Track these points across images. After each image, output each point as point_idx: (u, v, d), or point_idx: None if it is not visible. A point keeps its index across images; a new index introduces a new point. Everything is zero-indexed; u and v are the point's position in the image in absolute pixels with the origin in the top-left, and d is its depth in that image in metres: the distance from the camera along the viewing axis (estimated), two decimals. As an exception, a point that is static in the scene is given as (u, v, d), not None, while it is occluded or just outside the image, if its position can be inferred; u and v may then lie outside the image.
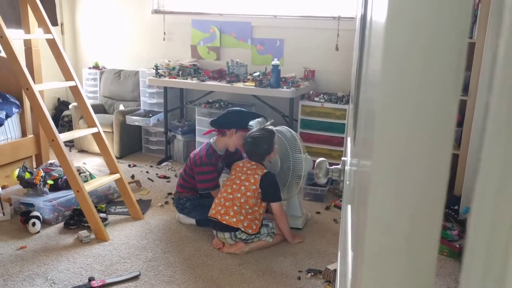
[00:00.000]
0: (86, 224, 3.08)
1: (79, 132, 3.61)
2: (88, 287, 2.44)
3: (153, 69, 4.47)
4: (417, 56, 0.29)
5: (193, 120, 4.51)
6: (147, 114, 4.60)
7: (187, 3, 4.81)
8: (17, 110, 3.66)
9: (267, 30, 4.47)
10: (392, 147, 0.31)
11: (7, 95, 3.64)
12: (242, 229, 2.82)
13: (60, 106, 5.33)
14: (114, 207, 3.49)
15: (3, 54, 3.24)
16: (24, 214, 3.14)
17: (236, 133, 3.13)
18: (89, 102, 3.39)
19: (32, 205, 3.21)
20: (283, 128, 3.26)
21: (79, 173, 3.31)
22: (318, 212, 3.48)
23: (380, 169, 0.32)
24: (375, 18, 0.40)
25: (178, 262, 2.74)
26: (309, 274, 2.63)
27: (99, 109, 4.94)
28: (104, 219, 3.15)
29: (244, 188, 2.87)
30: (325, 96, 4.01)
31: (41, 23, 3.32)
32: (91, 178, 3.51)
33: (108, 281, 2.50)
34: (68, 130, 4.76)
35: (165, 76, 4.37)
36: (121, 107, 4.85)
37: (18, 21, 3.61)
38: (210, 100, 4.45)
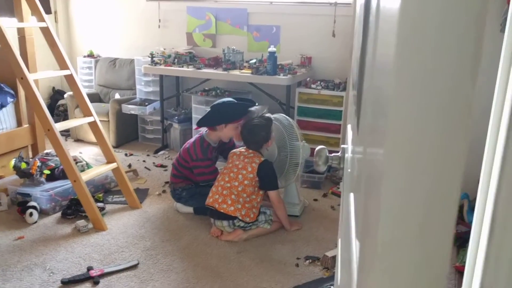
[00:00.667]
0: (83, 214, 3.07)
1: (75, 121, 3.58)
2: (87, 276, 2.44)
3: (149, 57, 4.43)
4: (432, 43, 0.28)
5: (189, 108, 4.49)
6: (143, 102, 4.57)
7: (182, -10, 4.76)
8: (12, 100, 3.63)
9: (263, 16, 4.43)
10: (406, 135, 0.30)
11: (2, 85, 3.60)
12: (240, 218, 2.82)
13: (55, 95, 5.29)
14: (111, 196, 3.48)
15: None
16: (21, 204, 3.13)
17: (226, 126, 3.12)
18: (84, 91, 3.36)
19: (29, 195, 3.20)
20: (280, 116, 3.25)
21: (76, 163, 3.30)
22: (315, 199, 3.48)
23: (394, 158, 0.31)
24: (386, 4, 0.39)
25: (176, 250, 2.75)
26: (307, 261, 2.64)
27: (95, 98, 4.90)
28: (101, 209, 3.15)
29: (241, 177, 2.86)
30: (322, 83, 3.99)
31: (34, 11, 3.28)
32: (88, 168, 3.49)
33: (106, 270, 2.50)
34: (64, 120, 4.73)
35: (160, 64, 4.34)
36: (117, 96, 4.82)
37: (11, 10, 3.56)
38: (206, 88, 4.42)
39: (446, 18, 0.28)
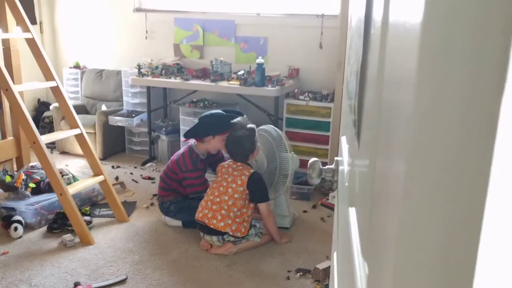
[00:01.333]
0: (70, 228, 3.01)
1: (61, 134, 3.53)
2: (73, 292, 2.39)
3: (136, 68, 4.40)
4: (456, 57, 0.27)
5: (177, 120, 4.46)
6: (130, 114, 4.53)
7: (169, 1, 4.76)
8: (-4, 112, 3.57)
9: (250, 28, 4.44)
10: (429, 152, 0.29)
11: (-14, 97, 3.54)
12: (231, 233, 2.78)
13: (41, 107, 5.22)
14: (98, 209, 3.42)
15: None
16: (5, 219, 3.06)
17: (214, 138, 3.11)
18: (70, 103, 3.32)
19: (13, 209, 3.13)
20: (269, 127, 3.24)
21: (62, 176, 3.24)
22: (305, 211, 3.47)
23: (416, 176, 0.30)
24: (399, 19, 0.38)
25: (165, 264, 2.71)
26: (298, 274, 2.62)
27: (81, 109, 4.84)
28: (88, 222, 3.09)
29: (231, 190, 2.83)
30: (310, 94, 4.00)
31: (19, 21, 3.24)
32: (74, 181, 3.44)
33: (94, 285, 2.45)
34: (49, 132, 4.66)
35: (148, 76, 4.31)
36: (104, 108, 4.77)
37: (-4, 20, 3.51)
38: (194, 100, 4.40)
39: (472, 31, 0.27)
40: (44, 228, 3.10)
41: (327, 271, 2.52)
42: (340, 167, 1.19)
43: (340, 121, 3.36)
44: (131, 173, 4.21)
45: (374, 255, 0.45)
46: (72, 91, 5.08)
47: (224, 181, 2.87)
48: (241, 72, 4.10)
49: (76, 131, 3.23)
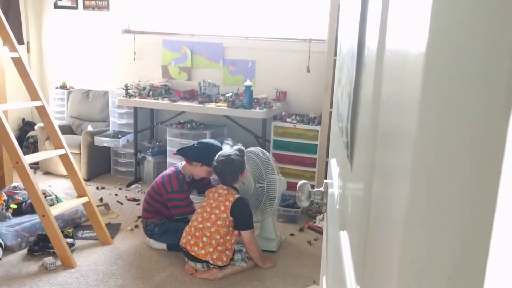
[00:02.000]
0: (51, 250, 2.94)
1: (46, 154, 3.48)
2: (53, 317, 2.31)
3: (123, 89, 4.38)
4: (462, 81, 0.27)
5: (164, 141, 4.43)
6: (116, 135, 4.50)
7: (158, 23, 4.78)
8: (-21, 131, 3.50)
9: (238, 51, 4.47)
10: (434, 177, 0.28)
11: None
12: (211, 262, 2.73)
13: (25, 127, 5.15)
14: (81, 231, 3.35)
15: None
16: (-16, 241, 2.97)
17: (202, 166, 3.10)
18: (56, 123, 3.28)
19: (-7, 230, 3.05)
20: (256, 149, 3.23)
21: (45, 197, 3.17)
22: (292, 234, 3.44)
23: (419, 201, 0.29)
24: (397, 46, 0.38)
25: (149, 288, 2.64)
26: (285, 299, 2.58)
27: (66, 129, 4.79)
28: (71, 245, 3.02)
29: (214, 217, 2.78)
30: (297, 117, 4.02)
31: (6, 41, 3.21)
32: (58, 202, 3.37)
33: (75, 310, 2.37)
34: (33, 152, 4.59)
35: (135, 96, 4.29)
36: (89, 128, 4.73)
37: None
38: (181, 121, 4.39)
39: (477, 57, 0.26)
40: (25, 251, 3.02)
41: (314, 296, 2.48)
42: (330, 190, 1.18)
43: (328, 143, 3.38)
44: (116, 195, 4.15)
45: (371, 280, 0.43)
46: (58, 111, 5.03)
47: (208, 207, 2.83)
48: (229, 94, 4.11)
49: (61, 151, 3.18)
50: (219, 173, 2.94)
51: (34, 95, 3.18)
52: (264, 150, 3.24)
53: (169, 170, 3.23)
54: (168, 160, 4.22)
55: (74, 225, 3.42)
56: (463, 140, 0.27)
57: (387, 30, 0.44)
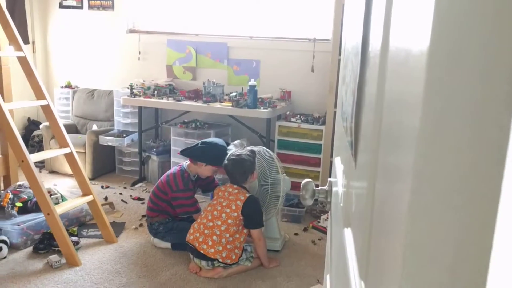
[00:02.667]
0: (56, 249, 2.95)
1: (51, 153, 3.50)
2: (58, 315, 2.32)
3: (128, 88, 4.39)
4: (463, 80, 0.27)
5: (168, 141, 4.44)
6: (121, 134, 4.51)
7: (163, 23, 4.79)
8: (-15, 130, 3.52)
9: (243, 51, 4.47)
10: (437, 174, 0.28)
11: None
12: (220, 260, 2.73)
13: (30, 126, 5.18)
14: (86, 230, 3.36)
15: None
16: (-10, 239, 2.99)
17: (206, 166, 3.10)
18: (61, 122, 3.29)
19: (-1, 229, 3.07)
20: (261, 149, 3.24)
21: (50, 195, 3.19)
22: (296, 234, 3.44)
23: (422, 198, 0.29)
24: (401, 45, 0.38)
25: (153, 287, 2.65)
26: (289, 298, 2.58)
27: (71, 129, 4.81)
28: (75, 243, 3.03)
29: (225, 215, 2.78)
30: (301, 117, 4.02)
31: (12, 40, 3.23)
32: (63, 200, 3.39)
33: (80, 308, 2.38)
34: (39, 151, 4.61)
35: (140, 96, 4.30)
36: (94, 127, 4.75)
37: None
38: (186, 120, 4.39)
39: (479, 56, 0.26)
40: (30, 249, 3.03)
41: (318, 295, 2.48)
42: (334, 188, 1.18)
43: (332, 143, 3.37)
44: (121, 194, 4.16)
45: (375, 276, 0.44)
46: (63, 110, 5.05)
47: (219, 205, 2.83)
48: (234, 94, 4.11)
49: (66, 150, 3.20)
50: (229, 172, 2.94)
51: (39, 94, 3.20)
52: (268, 150, 3.24)
53: (174, 169, 3.24)
54: (173, 159, 4.23)
55: (79, 223, 3.44)
56: (466, 138, 0.27)
57: (391, 27, 0.44)
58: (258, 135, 4.07)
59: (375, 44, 0.52)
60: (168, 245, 3.11)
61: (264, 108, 3.87)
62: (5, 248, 2.92)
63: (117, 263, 2.91)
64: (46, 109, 3.22)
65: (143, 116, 4.43)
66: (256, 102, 3.92)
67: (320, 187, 1.28)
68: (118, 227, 3.42)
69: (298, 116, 4.03)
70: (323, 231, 3.43)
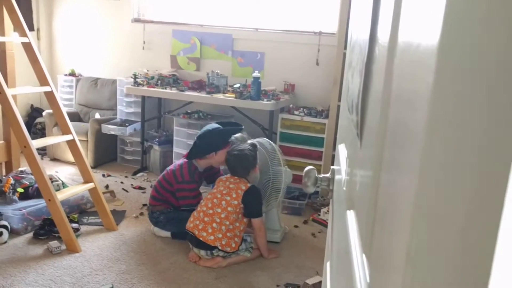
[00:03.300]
0: (57, 235, 2.96)
1: (53, 139, 3.50)
2: (57, 300, 2.33)
3: (132, 78, 4.39)
4: (469, 78, 0.26)
5: (170, 131, 4.44)
6: (124, 123, 4.51)
7: (168, 13, 4.78)
8: (-12, 115, 3.53)
9: (248, 43, 4.46)
10: (446, 147, 0.28)
11: (-22, 99, 3.50)
12: (220, 248, 2.74)
13: (33, 113, 5.18)
14: (87, 217, 3.37)
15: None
16: (-9, 223, 3.00)
17: (217, 153, 3.09)
18: (64, 109, 3.29)
19: (0, 214, 3.07)
20: (264, 140, 3.23)
21: (52, 182, 3.19)
22: (296, 226, 3.44)
23: (429, 173, 0.29)
24: (411, 40, 0.38)
25: (152, 275, 2.66)
26: (288, 289, 2.58)
27: (74, 117, 4.81)
28: (76, 230, 3.04)
29: (225, 203, 2.79)
30: (304, 110, 4.01)
31: (17, 26, 3.22)
32: (64, 187, 3.39)
33: (79, 294, 2.39)
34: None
35: (143, 85, 4.30)
36: (97, 116, 4.75)
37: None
38: (189, 111, 4.39)
39: (490, 55, 0.26)
40: (30, 234, 3.04)
41: (316, 287, 2.48)
42: (337, 176, 1.18)
43: (335, 137, 3.36)
44: (122, 182, 4.17)
45: (379, 248, 0.43)
46: (66, 98, 5.05)
47: (219, 193, 2.84)
48: (237, 85, 4.10)
49: (68, 137, 3.20)
50: (231, 167, 2.94)
51: (43, 81, 3.20)
52: (270, 141, 3.24)
53: (181, 160, 3.23)
54: (175, 149, 4.23)
55: (79, 210, 3.44)
56: (475, 127, 0.26)
57: (401, 10, 0.44)
58: (260, 127, 4.07)
59: (382, 43, 0.52)
60: (168, 234, 3.11)
61: (267, 100, 3.87)
62: (5, 233, 2.93)
63: (116, 251, 2.91)
64: (50, 95, 3.22)
65: (146, 105, 4.42)
66: (260, 94, 3.91)
67: (322, 175, 1.28)
68: (119, 215, 3.42)
69: (301, 109, 4.02)
70: (324, 224, 3.43)
